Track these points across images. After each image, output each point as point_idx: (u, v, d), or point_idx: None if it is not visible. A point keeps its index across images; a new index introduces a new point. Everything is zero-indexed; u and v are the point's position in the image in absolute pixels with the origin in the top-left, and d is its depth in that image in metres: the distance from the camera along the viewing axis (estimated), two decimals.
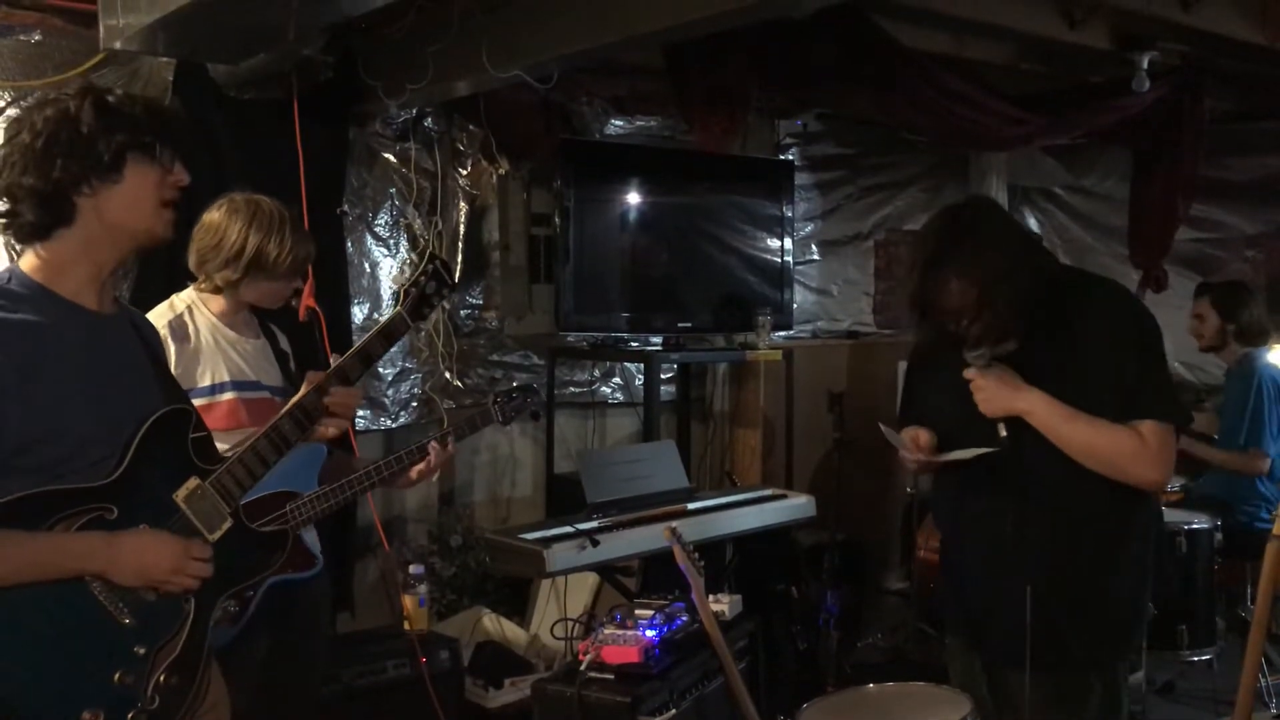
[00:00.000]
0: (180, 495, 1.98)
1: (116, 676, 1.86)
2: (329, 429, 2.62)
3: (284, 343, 2.94)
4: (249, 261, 2.71)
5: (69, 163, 1.88)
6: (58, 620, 1.82)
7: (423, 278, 2.32)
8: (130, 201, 1.94)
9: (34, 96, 3.68)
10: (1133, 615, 2.46)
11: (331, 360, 2.29)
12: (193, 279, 2.81)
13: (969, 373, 2.39)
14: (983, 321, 2.30)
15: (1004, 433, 2.34)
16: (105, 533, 1.86)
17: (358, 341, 2.32)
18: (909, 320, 2.47)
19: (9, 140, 1.91)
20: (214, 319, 2.76)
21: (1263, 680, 4.12)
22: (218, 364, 2.71)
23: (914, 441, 2.49)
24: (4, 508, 1.78)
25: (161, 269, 3.47)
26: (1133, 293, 2.46)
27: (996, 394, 2.35)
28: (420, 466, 2.88)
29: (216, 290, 2.77)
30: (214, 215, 2.76)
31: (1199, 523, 4.29)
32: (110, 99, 1.95)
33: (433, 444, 2.88)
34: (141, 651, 1.90)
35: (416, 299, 2.31)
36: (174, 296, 2.80)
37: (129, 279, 3.68)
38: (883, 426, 2.59)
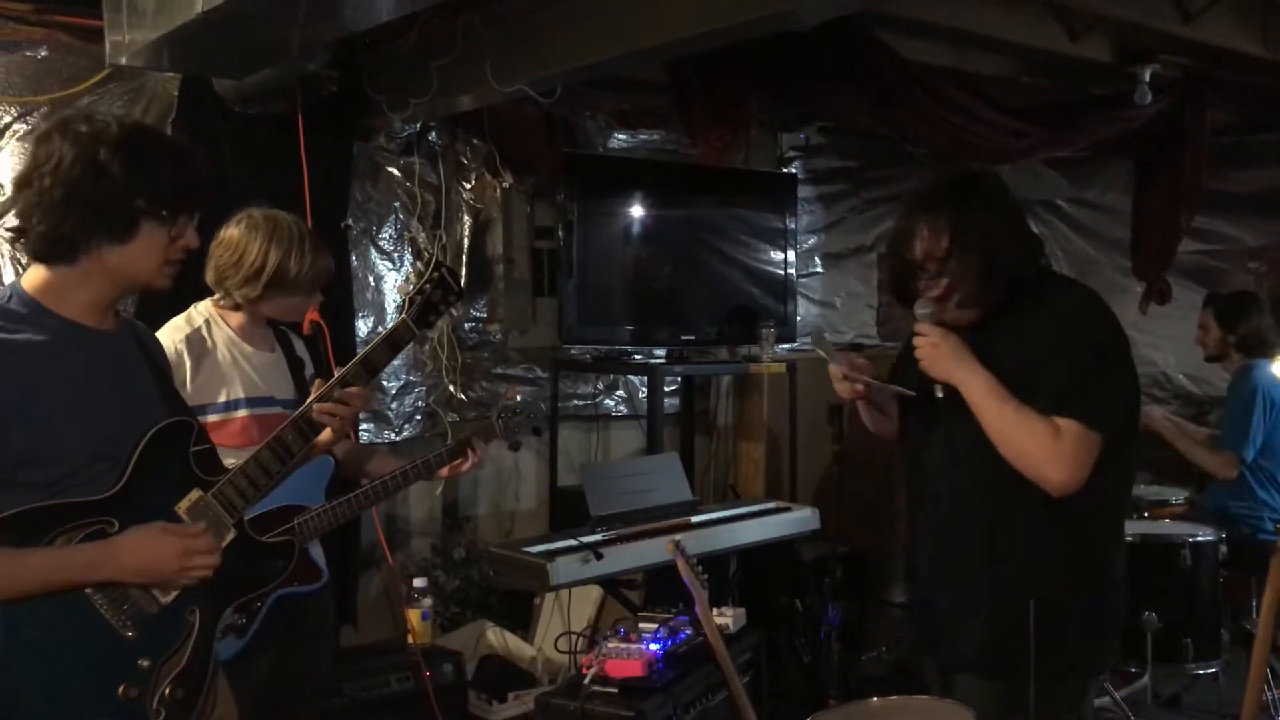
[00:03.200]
0: (182, 507, 1.98)
1: (121, 690, 1.86)
2: (328, 433, 2.58)
3: (299, 348, 2.93)
4: (270, 278, 2.71)
5: (83, 218, 1.86)
6: (60, 634, 1.82)
7: (428, 285, 2.25)
8: (133, 260, 1.93)
9: (41, 111, 3.71)
10: (1088, 627, 2.29)
11: (335, 374, 2.29)
12: (198, 295, 2.82)
13: (917, 325, 2.33)
14: (946, 274, 2.26)
15: (940, 394, 2.30)
16: (102, 541, 1.85)
17: (363, 349, 2.29)
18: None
19: (35, 164, 1.88)
20: (231, 333, 2.76)
21: (1268, 693, 4.10)
22: (233, 380, 2.72)
23: (849, 363, 2.44)
24: (3, 522, 1.78)
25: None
26: (1104, 302, 2.35)
27: (943, 356, 2.29)
28: (459, 463, 2.98)
29: (236, 306, 2.77)
30: (233, 231, 2.76)
31: (1203, 535, 4.28)
32: (143, 154, 1.90)
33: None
34: (146, 664, 1.89)
35: (422, 306, 2.25)
36: (192, 309, 2.80)
37: (133, 295, 3.69)
38: (819, 338, 2.56)
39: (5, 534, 1.78)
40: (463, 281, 4.83)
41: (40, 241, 1.88)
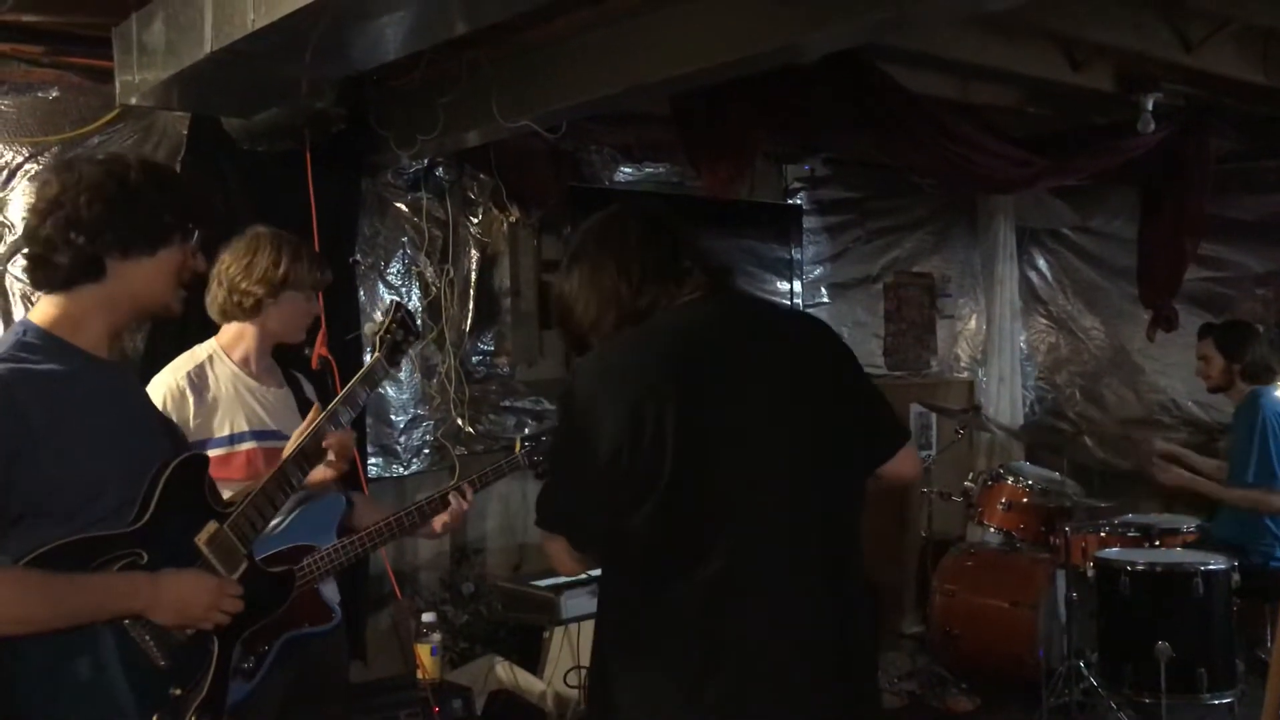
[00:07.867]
0: (201, 539, 2.02)
1: (155, 719, 1.89)
2: (328, 471, 2.59)
3: (309, 390, 2.92)
4: (283, 275, 2.71)
5: (118, 230, 1.95)
6: (101, 664, 1.85)
7: (393, 325, 2.61)
8: (153, 277, 2.02)
9: (52, 151, 3.74)
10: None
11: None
12: (204, 333, 2.82)
13: None
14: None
15: None
16: (148, 573, 1.90)
17: (343, 389, 2.55)
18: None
19: (62, 187, 1.95)
20: (235, 368, 2.75)
21: None
22: (236, 413, 2.70)
23: None
24: (48, 554, 1.81)
25: (175, 323, 3.49)
26: (582, 382, 1.99)
27: None
28: (444, 518, 2.87)
29: (249, 313, 2.72)
30: (239, 245, 2.74)
31: (1215, 564, 4.25)
32: (164, 175, 2.05)
33: (453, 494, 2.87)
34: (178, 694, 1.93)
35: (390, 347, 2.61)
36: (195, 347, 2.79)
37: (143, 332, 3.71)
38: None
39: (51, 566, 1.81)
40: (470, 315, 4.95)
41: (73, 259, 1.93)
